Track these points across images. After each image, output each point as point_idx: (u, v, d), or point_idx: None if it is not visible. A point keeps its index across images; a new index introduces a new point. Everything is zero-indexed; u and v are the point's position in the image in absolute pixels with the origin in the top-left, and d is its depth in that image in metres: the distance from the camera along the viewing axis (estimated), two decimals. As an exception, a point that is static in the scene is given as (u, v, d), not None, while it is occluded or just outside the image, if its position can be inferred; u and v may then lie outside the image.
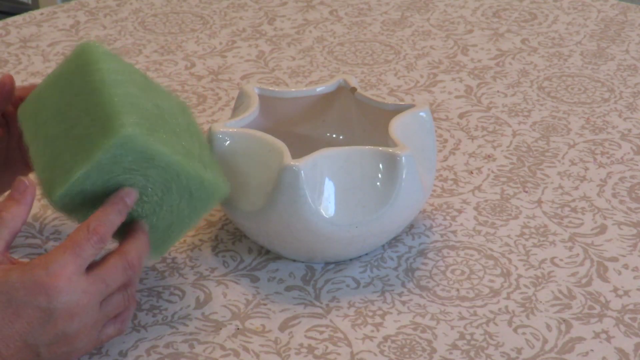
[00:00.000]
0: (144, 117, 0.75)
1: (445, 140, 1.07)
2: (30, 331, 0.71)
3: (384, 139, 0.86)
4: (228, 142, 0.85)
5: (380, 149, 0.83)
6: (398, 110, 0.89)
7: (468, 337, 0.80)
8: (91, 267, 0.73)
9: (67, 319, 0.71)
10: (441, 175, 1.00)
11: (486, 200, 0.97)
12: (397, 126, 0.86)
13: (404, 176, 0.83)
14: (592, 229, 0.93)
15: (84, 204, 0.75)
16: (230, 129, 0.85)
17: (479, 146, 1.06)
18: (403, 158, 0.82)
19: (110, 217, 0.74)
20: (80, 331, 0.73)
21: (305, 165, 0.81)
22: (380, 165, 0.83)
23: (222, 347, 0.79)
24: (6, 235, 0.74)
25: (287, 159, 0.81)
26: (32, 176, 0.78)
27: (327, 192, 0.82)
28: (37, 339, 0.71)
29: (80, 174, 0.73)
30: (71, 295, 0.71)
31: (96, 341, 0.75)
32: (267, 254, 0.89)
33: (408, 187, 0.83)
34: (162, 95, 0.81)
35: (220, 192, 0.79)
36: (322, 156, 0.82)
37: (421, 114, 0.89)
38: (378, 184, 0.83)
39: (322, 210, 0.82)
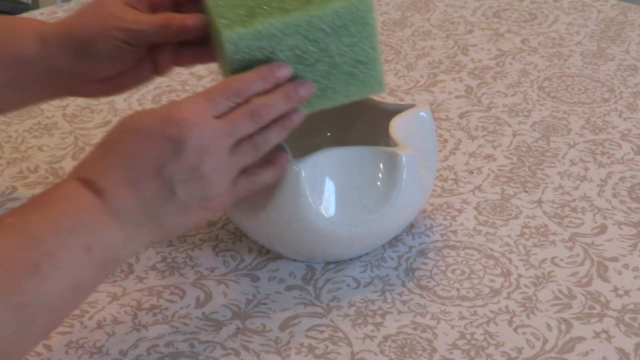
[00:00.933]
0: (232, 15, 0.77)
1: (446, 140, 1.07)
2: (163, 162, 0.71)
3: (385, 139, 0.86)
4: None
5: (381, 148, 0.83)
6: (398, 110, 0.89)
7: (468, 336, 0.80)
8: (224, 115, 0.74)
9: (199, 153, 0.71)
10: (441, 175, 1.00)
11: (486, 200, 0.97)
12: (398, 126, 0.86)
13: (404, 176, 0.83)
14: (592, 229, 0.93)
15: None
16: None
17: (479, 146, 1.06)
18: (403, 158, 0.83)
19: (250, 77, 0.75)
20: (213, 173, 0.72)
21: (305, 165, 0.81)
22: (381, 165, 0.83)
23: (223, 347, 0.79)
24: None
25: (290, 160, 0.81)
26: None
27: (327, 191, 0.82)
28: (170, 172, 0.71)
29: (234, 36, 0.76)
30: (202, 130, 0.71)
31: (231, 191, 0.75)
32: (267, 254, 0.89)
33: (408, 187, 0.83)
34: None
35: (363, 6, 0.78)
36: (323, 156, 0.82)
37: (421, 113, 0.89)
38: (378, 183, 0.83)
39: (322, 210, 0.82)
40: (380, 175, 0.83)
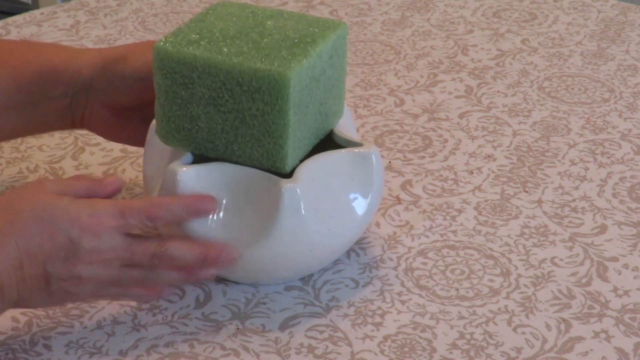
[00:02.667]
0: (183, 36, 0.80)
1: (445, 140, 1.07)
2: (53, 258, 0.73)
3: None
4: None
5: (266, 174, 0.80)
6: (346, 145, 0.84)
7: (468, 336, 0.80)
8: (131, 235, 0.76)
9: (87, 262, 0.74)
10: (441, 175, 1.00)
11: (486, 200, 0.97)
12: (317, 160, 0.81)
13: (285, 209, 0.78)
14: (592, 229, 0.93)
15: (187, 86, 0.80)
16: None
17: (479, 146, 1.06)
18: (284, 191, 0.78)
19: (174, 208, 0.77)
20: (92, 279, 0.75)
21: (186, 172, 0.79)
22: (265, 193, 0.79)
23: (222, 347, 0.79)
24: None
25: (174, 163, 0.80)
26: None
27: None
28: (55, 268, 0.73)
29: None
30: (100, 243, 0.74)
31: (96, 293, 0.77)
32: (267, 254, 0.89)
33: (291, 223, 0.79)
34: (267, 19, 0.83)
35: (282, 80, 0.76)
36: (210, 168, 0.80)
37: (360, 155, 0.83)
38: (260, 211, 0.80)
39: (202, 223, 0.80)
40: (263, 202, 0.79)
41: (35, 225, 0.73)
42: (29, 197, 0.75)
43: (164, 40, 0.79)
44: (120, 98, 0.89)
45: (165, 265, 0.77)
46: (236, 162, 0.81)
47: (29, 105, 0.89)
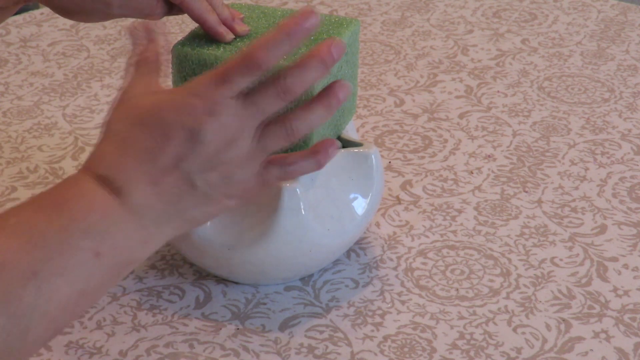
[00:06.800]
0: (200, 38, 0.80)
1: (446, 141, 1.07)
2: (181, 154, 0.65)
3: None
4: None
5: None
6: (346, 145, 0.84)
7: (468, 336, 0.80)
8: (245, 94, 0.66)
9: (217, 143, 0.65)
10: (441, 175, 1.00)
11: (486, 200, 0.97)
12: None
13: (284, 210, 0.78)
14: (592, 229, 0.93)
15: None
16: None
17: (479, 146, 1.06)
18: (284, 192, 0.78)
19: (272, 40, 0.64)
20: (235, 161, 0.66)
21: None
22: (266, 193, 0.78)
23: (222, 347, 0.79)
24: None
25: None
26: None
27: None
28: (189, 164, 0.65)
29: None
30: (218, 116, 0.65)
31: (259, 180, 0.68)
32: (267, 254, 0.89)
33: (291, 223, 0.79)
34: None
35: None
36: None
37: (360, 155, 0.84)
38: (261, 210, 0.80)
39: None
40: (263, 202, 0.79)
41: (145, 134, 0.65)
42: (122, 115, 0.67)
43: (181, 42, 0.79)
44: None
45: (296, 94, 0.66)
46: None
47: None
